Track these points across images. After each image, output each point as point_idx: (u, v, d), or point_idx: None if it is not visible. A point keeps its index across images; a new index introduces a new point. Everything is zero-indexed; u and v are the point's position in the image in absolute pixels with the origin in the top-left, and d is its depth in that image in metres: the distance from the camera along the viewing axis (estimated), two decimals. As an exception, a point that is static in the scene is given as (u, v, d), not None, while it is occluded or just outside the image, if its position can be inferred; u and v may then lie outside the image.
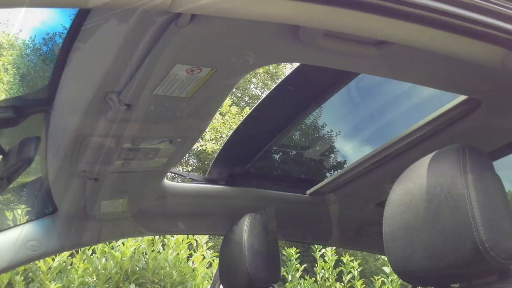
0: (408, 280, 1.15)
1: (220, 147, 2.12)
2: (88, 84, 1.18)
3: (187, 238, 4.15)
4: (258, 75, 15.00)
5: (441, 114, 1.47)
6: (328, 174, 2.43)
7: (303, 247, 7.49)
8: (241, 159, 2.14)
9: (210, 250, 4.27)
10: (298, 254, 4.77)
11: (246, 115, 1.90)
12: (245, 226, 1.83)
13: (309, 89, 1.65)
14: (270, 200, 2.23)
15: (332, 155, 2.36)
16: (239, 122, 1.97)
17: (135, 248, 3.89)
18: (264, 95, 1.71)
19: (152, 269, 3.91)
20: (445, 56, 1.05)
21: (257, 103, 1.78)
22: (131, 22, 0.98)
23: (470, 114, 1.43)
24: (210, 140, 11.27)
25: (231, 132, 2.01)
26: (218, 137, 11.33)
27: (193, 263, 4.19)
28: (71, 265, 3.87)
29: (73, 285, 3.68)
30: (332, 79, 1.58)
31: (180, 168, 11.26)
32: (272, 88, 1.68)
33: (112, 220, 2.05)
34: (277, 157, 2.34)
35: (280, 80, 1.62)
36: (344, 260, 4.85)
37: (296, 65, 1.45)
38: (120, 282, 3.82)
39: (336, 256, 4.83)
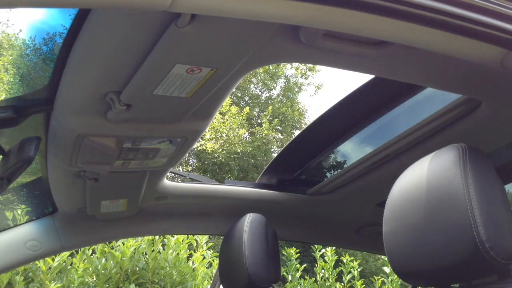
0: (408, 280, 1.15)
1: (277, 154, 2.21)
2: (88, 84, 1.18)
3: (187, 238, 4.16)
4: (258, 75, 15.00)
5: (441, 114, 1.47)
6: (328, 174, 2.43)
7: (303, 247, 7.50)
8: (293, 167, 2.20)
9: (210, 250, 4.27)
10: (298, 254, 4.77)
11: (305, 127, 1.97)
12: (245, 226, 1.83)
13: (370, 103, 1.69)
14: (270, 200, 2.23)
15: (332, 155, 2.36)
16: (299, 132, 2.06)
17: (135, 248, 3.89)
18: (325, 109, 1.81)
19: (152, 269, 3.91)
20: (445, 56, 1.06)
21: (319, 115, 1.85)
22: (131, 22, 0.98)
23: (470, 114, 1.43)
24: (210, 139, 11.27)
25: (290, 139, 2.10)
26: (218, 136, 11.34)
27: (193, 263, 4.20)
28: (71, 265, 3.87)
29: (73, 285, 3.68)
30: (392, 96, 1.60)
31: (180, 168, 11.27)
32: (336, 102, 1.73)
33: (112, 220, 2.05)
34: (325, 164, 2.37)
35: (345, 95, 1.68)
36: (344, 260, 4.86)
37: (296, 65, 1.47)
38: (120, 282, 3.83)
39: (336, 256, 4.84)
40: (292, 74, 16.08)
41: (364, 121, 1.77)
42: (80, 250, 3.80)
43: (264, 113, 13.79)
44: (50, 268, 3.68)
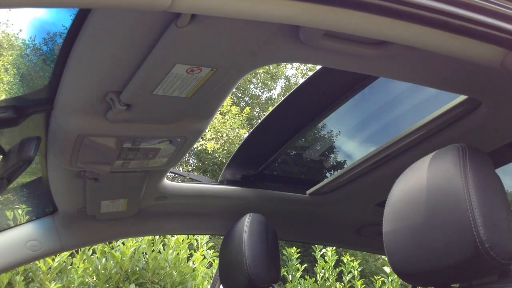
0: (408, 280, 1.15)
1: (236, 149, 2.16)
2: (88, 84, 1.19)
3: (187, 238, 4.16)
4: (258, 75, 15.00)
5: (441, 114, 1.47)
6: (328, 174, 2.43)
7: (303, 247, 7.50)
8: (255, 161, 2.16)
9: (210, 250, 4.27)
10: (299, 254, 4.78)
11: (262, 119, 1.94)
12: (245, 226, 1.83)
13: (325, 94, 1.68)
14: (270, 200, 2.23)
15: (332, 155, 2.36)
16: (255, 125, 2.00)
17: (135, 248, 3.89)
18: (280, 99, 1.77)
19: (152, 269, 3.91)
20: (445, 56, 1.06)
21: (274, 106, 1.82)
22: (131, 22, 0.98)
23: (470, 114, 1.43)
24: (210, 139, 11.27)
25: (245, 134, 2.06)
26: (218, 136, 11.33)
27: (193, 263, 4.20)
28: (71, 265, 3.87)
29: (73, 285, 3.68)
30: (347, 85, 1.61)
31: (180, 168, 11.27)
32: (290, 92, 1.72)
33: (112, 220, 2.05)
34: (289, 159, 2.35)
35: (298, 85, 1.67)
36: (344, 260, 4.86)
37: (296, 65, 1.46)
38: (120, 282, 3.83)
39: (336, 256, 4.84)
40: (292, 74, 16.10)
41: (319, 112, 1.76)
42: (80, 250, 3.80)
43: (265, 113, 13.81)
44: (50, 268, 3.68)
